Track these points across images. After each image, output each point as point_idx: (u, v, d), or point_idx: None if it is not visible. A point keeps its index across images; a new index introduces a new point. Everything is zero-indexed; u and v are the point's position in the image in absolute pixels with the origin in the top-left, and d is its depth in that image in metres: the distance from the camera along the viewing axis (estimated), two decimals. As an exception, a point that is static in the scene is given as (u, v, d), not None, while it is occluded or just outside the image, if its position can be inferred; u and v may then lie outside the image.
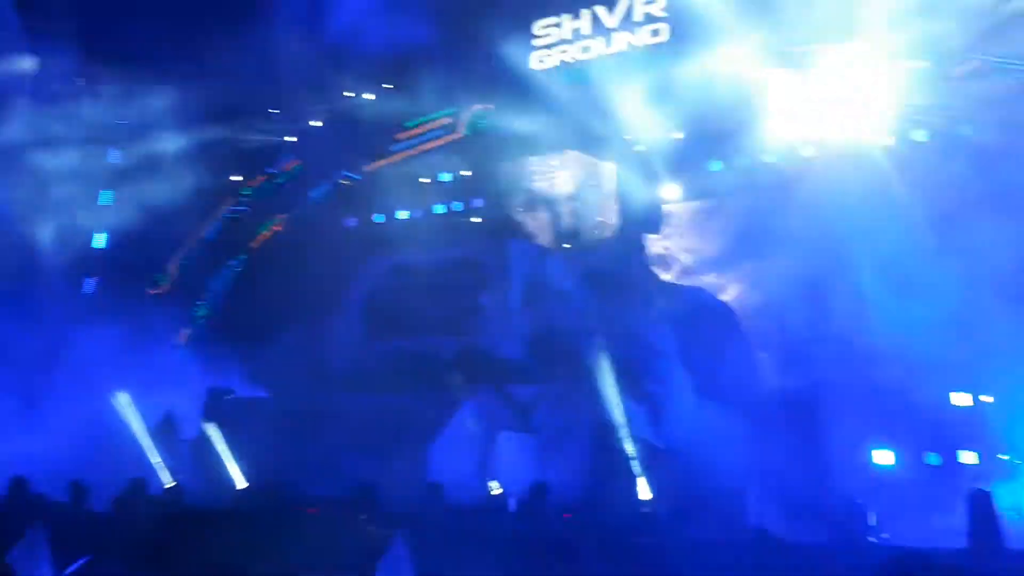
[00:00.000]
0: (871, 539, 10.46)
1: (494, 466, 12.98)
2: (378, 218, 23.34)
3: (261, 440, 14.57)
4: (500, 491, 12.36)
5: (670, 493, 12.03)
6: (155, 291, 23.24)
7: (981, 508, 9.84)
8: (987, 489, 10.10)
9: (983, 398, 13.68)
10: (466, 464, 13.06)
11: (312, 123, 25.69)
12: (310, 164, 25.00)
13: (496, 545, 10.36)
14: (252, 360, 18.32)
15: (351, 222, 23.79)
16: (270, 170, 25.52)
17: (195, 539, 11.34)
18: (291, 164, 25.44)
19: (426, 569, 9.08)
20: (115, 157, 24.04)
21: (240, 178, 25.31)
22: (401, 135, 24.30)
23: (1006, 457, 12.69)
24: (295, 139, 25.60)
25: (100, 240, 23.32)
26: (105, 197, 23.35)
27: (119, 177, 23.77)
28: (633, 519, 11.33)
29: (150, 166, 23.12)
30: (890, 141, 17.50)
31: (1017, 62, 15.99)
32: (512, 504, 12.59)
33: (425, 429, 13.78)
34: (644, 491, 11.65)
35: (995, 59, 16.30)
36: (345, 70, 24.75)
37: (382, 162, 24.22)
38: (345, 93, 25.24)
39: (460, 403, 14.01)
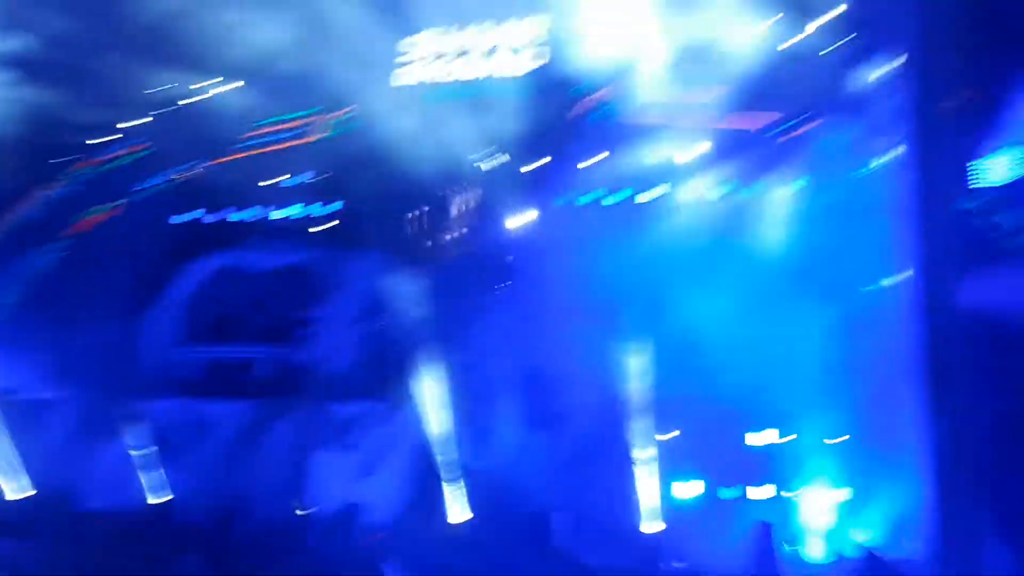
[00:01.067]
0: (673, 564, 10.94)
1: (309, 483, 12.56)
2: (215, 216, 22.30)
3: (47, 446, 13.42)
4: (307, 511, 12.01)
5: (483, 514, 12.09)
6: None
7: (762, 540, 10.59)
8: (768, 522, 10.84)
9: (780, 438, 14.65)
10: (276, 478, 12.57)
11: (156, 110, 24.27)
12: (148, 153, 23.56)
13: (297, 562, 10.06)
14: (51, 356, 16.81)
15: (184, 218, 22.56)
16: (103, 154, 23.83)
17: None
18: (127, 151, 23.88)
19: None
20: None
21: (67, 159, 23.48)
22: (253, 132, 23.40)
23: (790, 493, 13.61)
24: (134, 124, 24.07)
25: None
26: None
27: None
28: (441, 541, 11.30)
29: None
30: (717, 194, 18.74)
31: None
32: (324, 521, 12.26)
33: (237, 440, 13.16)
34: (456, 513, 11.62)
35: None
36: (199, 59, 23.65)
37: (227, 158, 23.18)
38: (196, 84, 24.14)
39: (277, 417, 13.48)
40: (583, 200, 19.98)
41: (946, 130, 12.71)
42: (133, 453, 12.60)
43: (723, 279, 14.83)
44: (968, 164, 13.14)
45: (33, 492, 12.89)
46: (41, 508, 12.33)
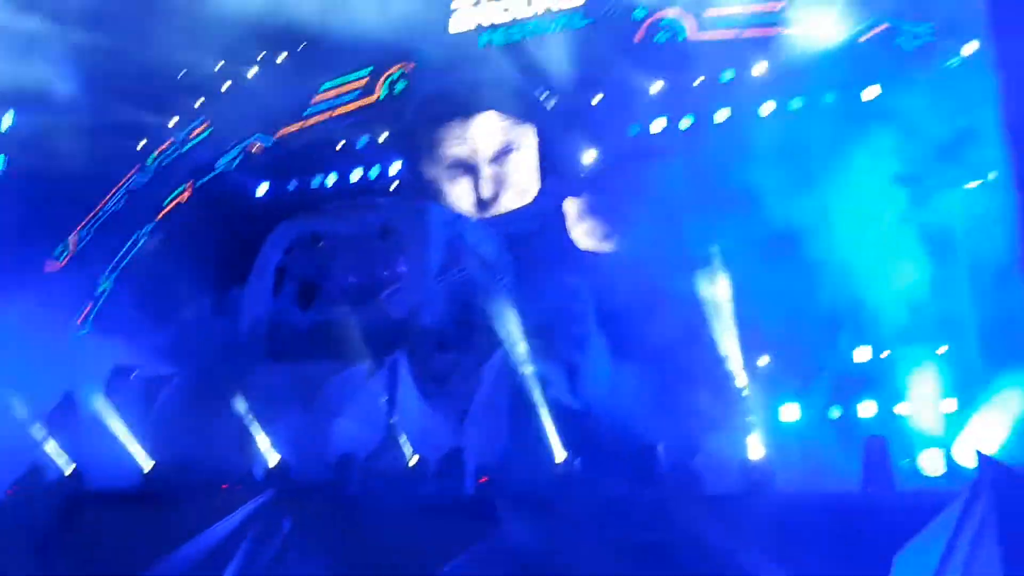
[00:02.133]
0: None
1: (410, 435, 12.88)
2: (291, 185, 22.73)
3: (169, 418, 14.13)
4: (416, 458, 12.32)
5: (585, 452, 12.19)
6: (54, 266, 22.17)
7: (875, 453, 10.35)
8: (880, 436, 10.60)
9: (883, 353, 14.25)
10: (380, 433, 12.93)
11: (221, 86, 24.69)
12: (218, 129, 24.07)
13: (412, 512, 10.35)
14: (159, 335, 17.68)
15: (263, 189, 23.09)
16: (176, 136, 24.47)
17: (97, 523, 11.03)
18: (199, 130, 24.44)
19: (336, 544, 9.01)
20: (9, 120, 22.65)
21: (144, 144, 24.20)
22: (315, 98, 23.59)
23: (903, 408, 13.27)
24: (201, 102, 24.56)
25: (-8, 210, 22.00)
26: (-3, 164, 22.09)
27: (13, 143, 22.45)
28: (548, 480, 11.47)
29: (48, 131, 21.89)
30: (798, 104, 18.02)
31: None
32: (429, 470, 12.58)
33: (339, 399, 13.59)
34: (559, 452, 11.75)
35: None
36: (255, 30, 23.86)
37: (295, 126, 23.48)
38: (257, 54, 24.40)
39: (375, 372, 13.82)
40: (654, 128, 19.62)
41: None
42: (245, 420, 13.11)
43: (807, 194, 14.37)
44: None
45: (152, 464, 13.54)
46: (160, 480, 13.01)
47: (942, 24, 15.36)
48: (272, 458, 12.65)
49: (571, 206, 20.29)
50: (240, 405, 13.28)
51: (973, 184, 13.93)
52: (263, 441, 12.90)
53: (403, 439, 12.46)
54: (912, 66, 15.88)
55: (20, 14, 21.28)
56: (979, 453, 9.22)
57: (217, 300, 18.45)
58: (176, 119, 24.39)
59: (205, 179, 23.70)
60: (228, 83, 24.58)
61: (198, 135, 24.32)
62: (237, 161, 23.79)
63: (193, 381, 15.01)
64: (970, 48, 14.11)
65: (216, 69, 24.20)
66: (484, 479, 11.62)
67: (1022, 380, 11.45)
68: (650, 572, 8.83)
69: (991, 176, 12.83)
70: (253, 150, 23.74)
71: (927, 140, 13.25)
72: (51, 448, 13.28)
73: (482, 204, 20.30)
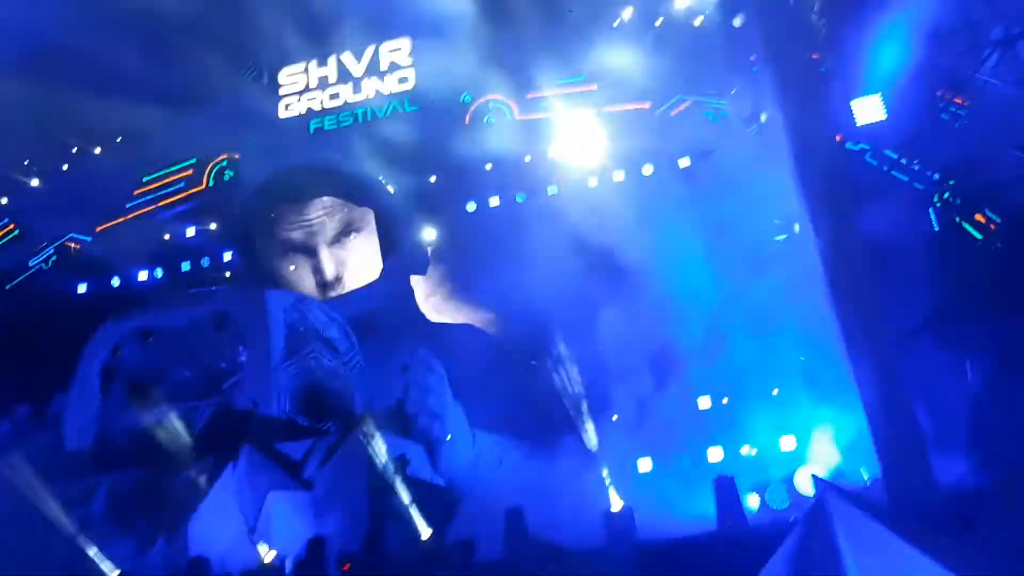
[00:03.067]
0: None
1: (266, 529, 12.12)
2: (114, 281, 21.37)
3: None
4: (273, 554, 11.59)
5: (453, 524, 11.98)
6: None
7: (725, 491, 10.91)
8: (729, 475, 11.20)
9: (723, 400, 15.16)
10: (235, 532, 12.06)
11: (30, 182, 23.06)
12: (28, 228, 22.35)
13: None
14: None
15: (82, 288, 21.53)
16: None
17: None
18: (6, 230, 22.57)
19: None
20: None
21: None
22: (138, 190, 22.54)
23: (747, 450, 14.11)
24: (6, 201, 22.78)
25: None
26: None
27: None
28: (416, 557, 11.13)
29: None
30: (621, 176, 19.30)
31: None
32: (288, 565, 11.87)
33: (186, 502, 12.57)
34: (424, 529, 11.46)
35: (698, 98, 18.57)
36: (71, 119, 22.62)
37: (116, 220, 22.23)
38: (70, 148, 23.10)
39: (223, 468, 12.95)
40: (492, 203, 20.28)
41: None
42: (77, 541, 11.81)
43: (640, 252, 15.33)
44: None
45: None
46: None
47: (736, 97, 17.15)
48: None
49: (418, 282, 20.42)
50: (69, 526, 11.98)
51: (781, 237, 15.42)
52: (101, 562, 11.66)
53: (256, 535, 11.71)
54: (719, 134, 17.53)
55: None
56: (815, 478, 9.94)
57: (35, 410, 16.74)
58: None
59: (15, 281, 21.84)
60: (36, 180, 23.07)
61: (3, 236, 22.49)
62: (52, 260, 22.15)
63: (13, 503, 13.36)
64: (764, 116, 15.78)
65: (24, 163, 22.71)
66: (347, 567, 11.09)
67: (840, 413, 12.56)
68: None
69: (796, 228, 14.21)
70: (76, 246, 22.21)
71: (741, 197, 14.53)
72: None
73: (324, 286, 19.97)
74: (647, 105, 19.46)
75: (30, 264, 22.10)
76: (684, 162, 18.88)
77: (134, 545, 12.12)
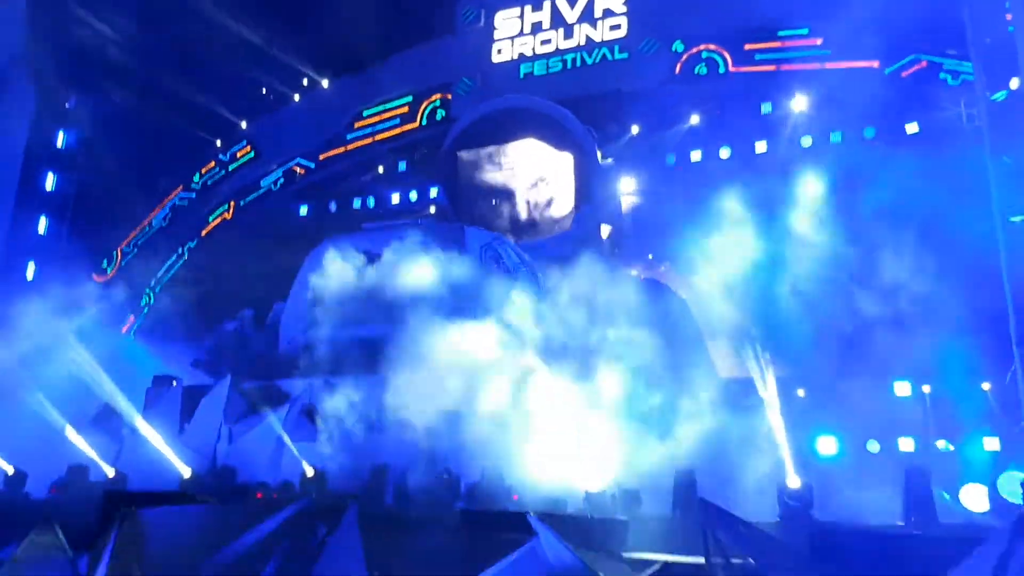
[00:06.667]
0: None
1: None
2: (331, 205, 23.18)
3: (207, 428, 14.31)
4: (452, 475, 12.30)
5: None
6: (101, 278, 22.71)
7: (917, 484, 10.19)
8: (923, 467, 10.44)
9: (924, 388, 14.05)
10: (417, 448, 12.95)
11: (266, 109, 25.34)
12: (263, 151, 24.66)
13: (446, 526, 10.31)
14: (200, 347, 17.99)
15: (304, 209, 23.54)
16: (221, 156, 25.10)
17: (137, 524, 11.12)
18: (243, 151, 25.05)
19: (374, 545, 9.03)
20: (57, 142, 23.38)
21: (190, 164, 24.88)
22: (358, 123, 24.11)
23: (941, 444, 13.05)
24: (246, 125, 25.20)
25: (41, 225, 22.66)
26: (47, 180, 22.75)
27: (62, 160, 23.16)
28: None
29: (96, 147, 22.58)
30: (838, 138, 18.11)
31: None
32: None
33: (375, 413, 13.62)
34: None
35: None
36: (301, 54, 24.56)
37: (338, 150, 23.97)
38: (301, 79, 25.06)
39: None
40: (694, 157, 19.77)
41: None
42: (280, 431, 13.25)
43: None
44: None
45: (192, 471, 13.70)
46: (202, 484, 13.15)
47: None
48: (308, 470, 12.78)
49: (609, 232, 20.44)
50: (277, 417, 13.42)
51: (1018, 219, 13.82)
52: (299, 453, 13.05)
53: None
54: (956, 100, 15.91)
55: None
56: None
57: (257, 314, 18.73)
58: (220, 141, 25.08)
59: (249, 198, 24.30)
60: (271, 109, 25.29)
61: (243, 156, 24.96)
62: (280, 183, 24.34)
63: (231, 393, 15.13)
64: (1015, 82, 14.07)
65: (262, 92, 24.96)
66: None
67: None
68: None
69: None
70: (295, 172, 24.30)
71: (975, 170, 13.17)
72: (93, 452, 13.52)
73: (519, 228, 20.52)
74: (876, 64, 18.05)
75: (262, 184, 24.43)
76: (912, 127, 17.40)
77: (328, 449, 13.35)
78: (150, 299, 22.89)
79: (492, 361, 13.24)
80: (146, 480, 12.61)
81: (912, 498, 10.37)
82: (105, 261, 23.30)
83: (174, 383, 16.85)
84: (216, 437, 14.54)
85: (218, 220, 24.23)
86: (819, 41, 18.80)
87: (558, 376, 12.85)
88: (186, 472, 13.30)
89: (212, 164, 25.06)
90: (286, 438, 13.80)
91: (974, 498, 11.67)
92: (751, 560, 8.58)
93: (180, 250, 23.76)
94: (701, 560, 8.41)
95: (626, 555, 8.80)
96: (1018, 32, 12.33)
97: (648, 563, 8.55)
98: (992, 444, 12.84)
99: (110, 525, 9.73)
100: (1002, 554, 7.11)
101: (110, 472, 13.38)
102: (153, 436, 13.95)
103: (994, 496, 11.28)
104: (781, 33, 19.10)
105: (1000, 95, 13.36)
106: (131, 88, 23.05)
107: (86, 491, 12.29)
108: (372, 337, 15.01)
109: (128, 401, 15.01)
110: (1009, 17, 13.13)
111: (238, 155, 25.02)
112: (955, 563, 7.35)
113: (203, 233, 24.01)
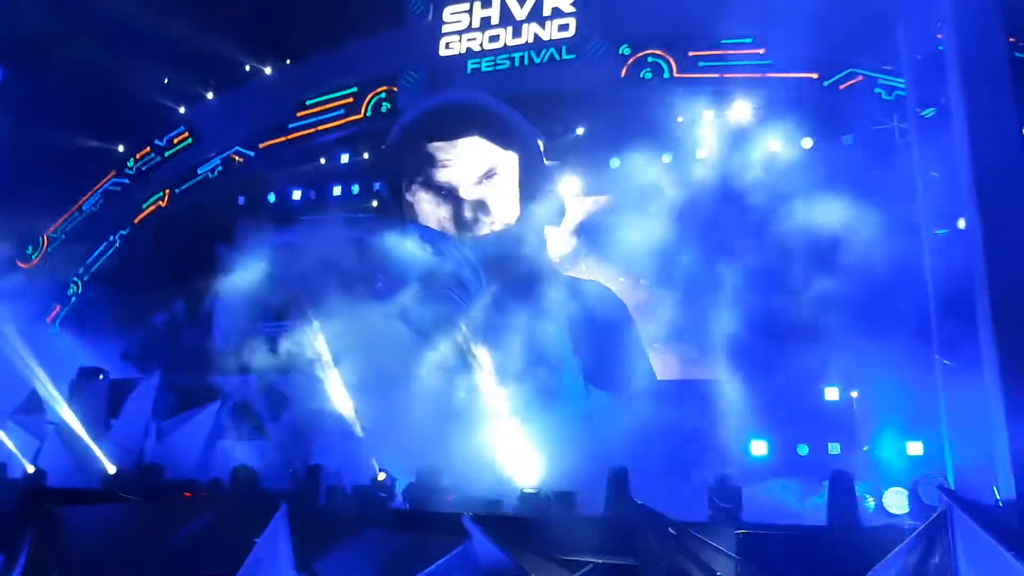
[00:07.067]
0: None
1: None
2: (271, 196, 22.71)
3: (135, 423, 13.90)
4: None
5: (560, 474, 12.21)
6: (25, 264, 21.85)
7: (841, 487, 10.51)
8: (848, 471, 10.77)
9: (852, 394, 14.52)
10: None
11: (205, 94, 24.69)
12: (201, 137, 24.02)
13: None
14: (130, 340, 17.47)
15: (241, 200, 23.00)
16: (157, 142, 24.37)
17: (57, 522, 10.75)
18: (180, 137, 24.36)
19: (304, 546, 8.90)
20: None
21: (124, 148, 24.09)
22: (300, 112, 23.66)
23: (866, 449, 13.51)
24: (184, 111, 24.51)
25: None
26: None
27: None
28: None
29: (23, 126, 21.70)
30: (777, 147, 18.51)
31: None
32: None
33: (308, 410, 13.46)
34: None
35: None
36: (244, 39, 23.97)
37: (278, 139, 23.49)
38: (244, 65, 24.48)
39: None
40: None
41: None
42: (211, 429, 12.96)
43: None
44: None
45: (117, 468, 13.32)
46: (128, 482, 12.77)
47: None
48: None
49: (552, 232, 20.50)
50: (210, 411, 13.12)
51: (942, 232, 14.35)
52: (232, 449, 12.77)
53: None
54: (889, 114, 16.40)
55: None
56: (942, 488, 9.43)
57: (190, 308, 18.26)
58: (158, 126, 24.35)
59: (184, 186, 23.65)
60: (211, 94, 24.66)
61: (180, 143, 24.27)
62: (218, 171, 23.75)
63: (163, 386, 14.74)
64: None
65: (203, 77, 24.28)
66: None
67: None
68: None
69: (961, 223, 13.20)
70: (233, 160, 23.73)
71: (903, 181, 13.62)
72: (12, 445, 13.01)
73: (462, 225, 20.43)
74: (815, 75, 18.51)
75: (199, 172, 23.80)
76: (848, 139, 17.88)
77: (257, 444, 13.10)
78: (78, 288, 22.07)
79: (430, 359, 13.19)
80: (68, 477, 12.20)
81: (837, 500, 10.71)
82: (30, 247, 22.38)
83: (100, 376, 16.31)
84: (144, 433, 14.14)
85: (152, 207, 23.49)
86: (762, 51, 19.16)
87: (494, 374, 12.88)
88: (111, 469, 12.90)
89: (148, 149, 24.29)
90: (217, 436, 13.52)
91: (895, 501, 12.09)
92: (680, 560, 8.73)
93: (111, 238, 22.96)
94: (633, 561, 8.51)
95: (559, 556, 8.86)
96: (948, 51, 12.76)
97: (581, 564, 8.64)
98: (915, 448, 13.36)
99: (27, 523, 9.37)
100: (921, 554, 7.41)
101: (29, 468, 12.89)
102: (77, 431, 13.49)
103: (914, 500, 11.69)
104: (725, 41, 19.40)
105: (929, 111, 13.84)
106: (63, 66, 22.17)
107: (3, 488, 11.82)
108: (308, 332, 14.82)
109: (52, 394, 14.48)
110: (940, 36, 13.60)
111: (175, 141, 24.29)
112: (877, 562, 7.66)
113: (136, 221, 23.24)
